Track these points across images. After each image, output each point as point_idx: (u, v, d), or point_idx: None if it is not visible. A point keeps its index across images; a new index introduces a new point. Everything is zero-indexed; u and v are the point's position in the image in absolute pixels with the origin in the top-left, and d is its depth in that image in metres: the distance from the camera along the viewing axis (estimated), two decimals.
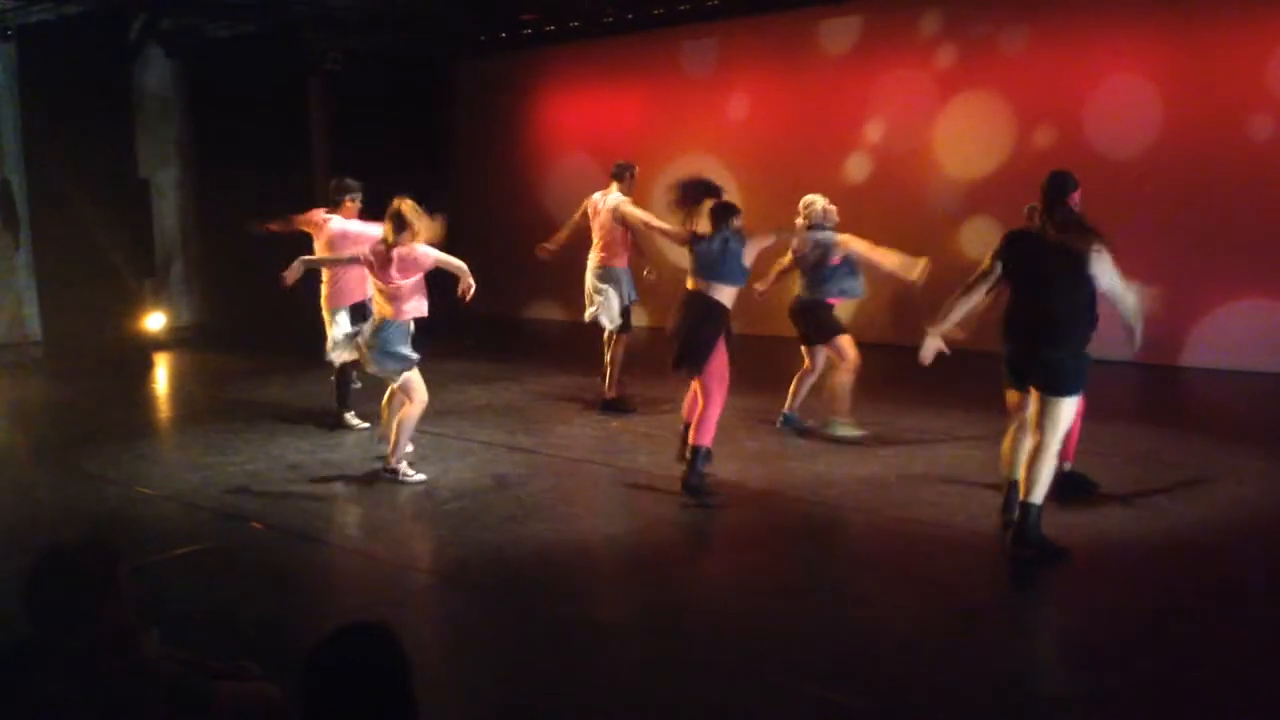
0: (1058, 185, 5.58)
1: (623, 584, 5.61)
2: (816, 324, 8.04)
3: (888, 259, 7.67)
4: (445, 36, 15.12)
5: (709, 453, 6.68)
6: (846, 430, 7.94)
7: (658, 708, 4.22)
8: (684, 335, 6.67)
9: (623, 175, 9.26)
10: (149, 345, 12.83)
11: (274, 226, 8.83)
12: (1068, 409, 5.54)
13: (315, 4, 12.84)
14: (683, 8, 13.38)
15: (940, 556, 5.83)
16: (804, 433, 8.16)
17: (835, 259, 7.85)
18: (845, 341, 7.94)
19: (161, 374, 12.07)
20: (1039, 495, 5.52)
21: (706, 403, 6.62)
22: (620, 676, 4.48)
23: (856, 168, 12.62)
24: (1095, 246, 5.40)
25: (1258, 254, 10.23)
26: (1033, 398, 5.62)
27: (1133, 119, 10.75)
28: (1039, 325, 5.53)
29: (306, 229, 8.70)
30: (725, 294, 6.70)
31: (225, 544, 6.12)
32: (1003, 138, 11.58)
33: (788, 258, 8.22)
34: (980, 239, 11.65)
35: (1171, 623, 4.87)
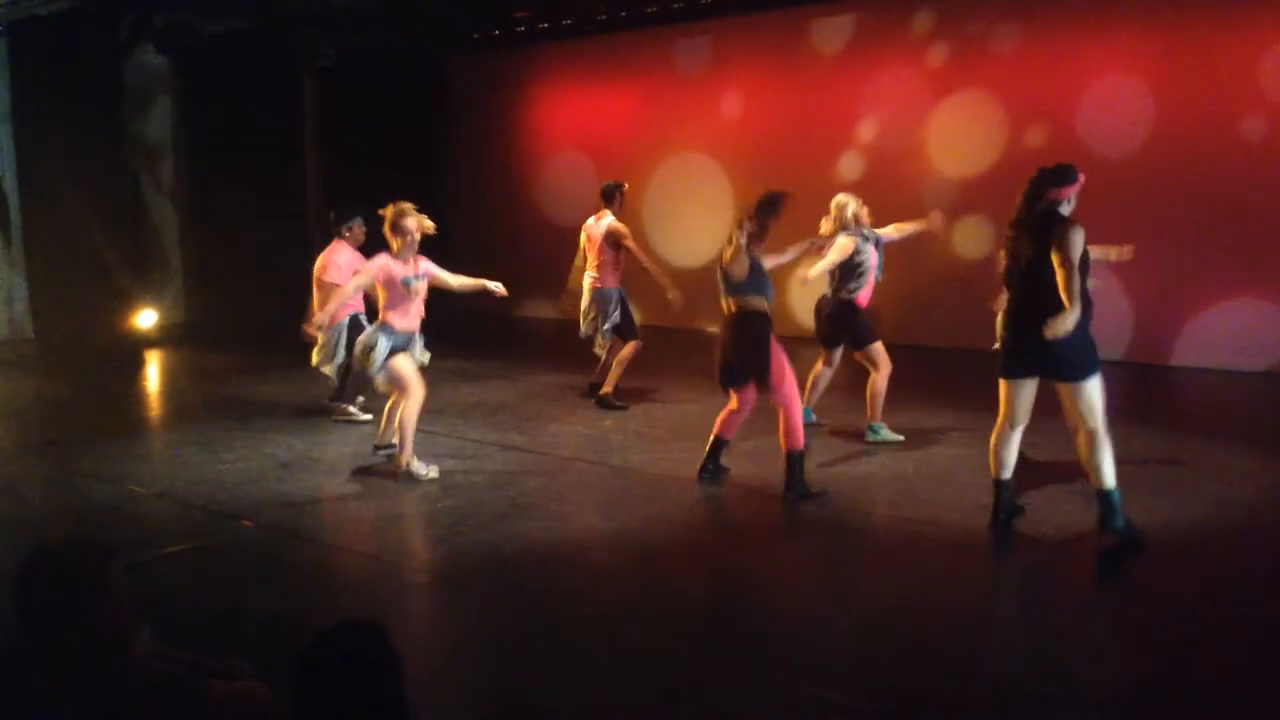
0: (1041, 178, 5.59)
1: (615, 583, 5.60)
2: (852, 330, 7.94)
3: (912, 226, 8.13)
4: (438, 34, 15.10)
5: (803, 454, 6.68)
6: (889, 434, 7.94)
7: (652, 706, 4.21)
8: (728, 356, 6.67)
9: (613, 196, 9.36)
10: (141, 343, 12.79)
11: (318, 316, 8.41)
12: (1093, 391, 5.53)
13: (308, 1, 12.82)
14: (676, 6, 13.38)
15: (934, 555, 5.83)
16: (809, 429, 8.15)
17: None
18: (879, 349, 7.90)
19: (153, 372, 12.04)
20: (1110, 481, 5.54)
21: (785, 411, 6.60)
22: (614, 675, 4.47)
23: (849, 166, 12.62)
24: (1055, 236, 5.38)
25: (1248, 254, 10.24)
26: (1061, 394, 5.63)
27: (1125, 118, 10.76)
28: (1031, 314, 5.53)
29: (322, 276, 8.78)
30: (755, 304, 6.60)
31: (217, 542, 6.11)
32: (995, 137, 11.58)
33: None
34: (973, 237, 11.66)
35: (1168, 622, 4.87)
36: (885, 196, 11.91)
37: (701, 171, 13.73)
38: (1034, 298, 5.52)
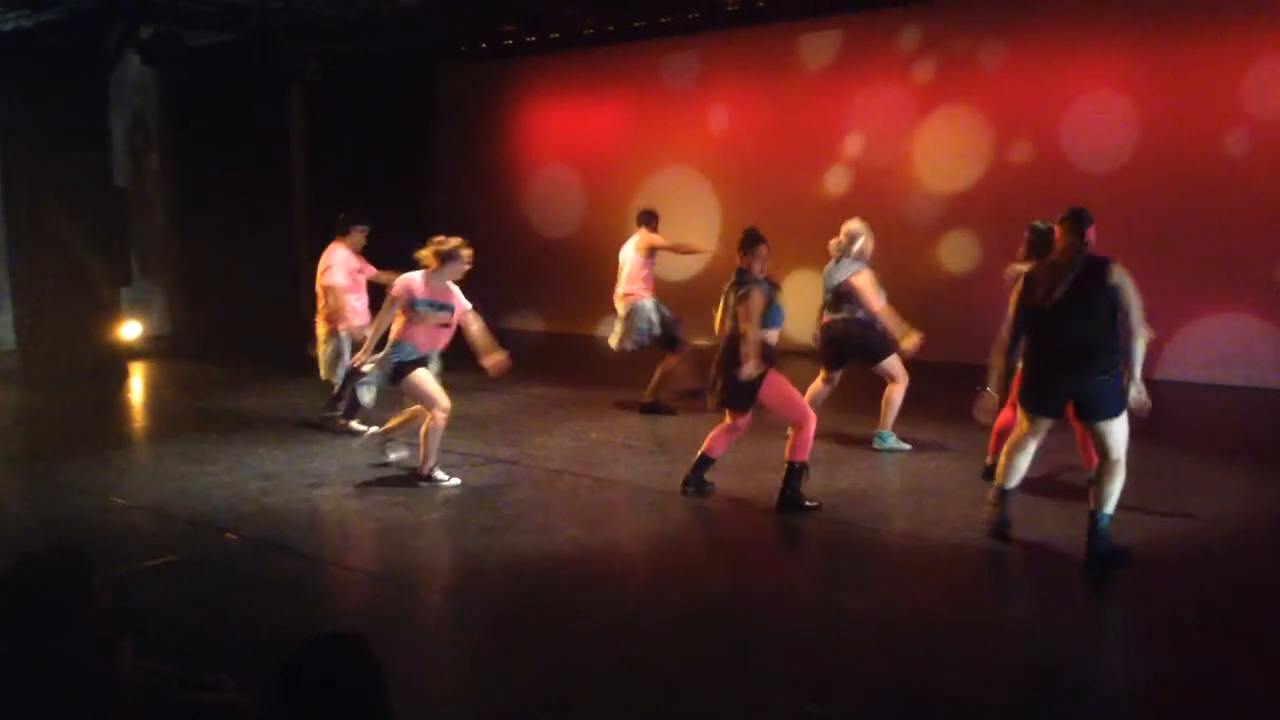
0: (1080, 221, 5.68)
1: (600, 595, 5.59)
2: (868, 348, 7.96)
3: (888, 318, 7.86)
4: (426, 46, 15.11)
5: (804, 467, 6.66)
6: (896, 443, 8.03)
7: (634, 718, 4.21)
8: (722, 372, 6.71)
9: (646, 220, 9.96)
10: (125, 354, 12.72)
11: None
12: (1121, 428, 5.58)
13: (295, 13, 12.81)
14: (664, 20, 13.43)
15: (918, 568, 5.84)
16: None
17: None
18: (896, 362, 7.96)
19: (137, 383, 11.99)
20: (1109, 508, 5.59)
21: (798, 428, 6.63)
22: (597, 687, 4.46)
23: (836, 181, 12.67)
24: (1118, 280, 5.54)
25: (1233, 268, 10.31)
26: (1089, 430, 5.74)
27: (1109, 134, 10.84)
28: (1068, 357, 5.58)
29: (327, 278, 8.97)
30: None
31: (200, 555, 6.08)
32: (981, 152, 11.64)
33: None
34: (958, 252, 11.74)
35: (1152, 631, 4.89)
36: (871, 211, 11.99)
37: (688, 185, 13.76)
38: (1075, 341, 5.56)
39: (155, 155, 14.48)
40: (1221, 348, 10.40)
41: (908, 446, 8.01)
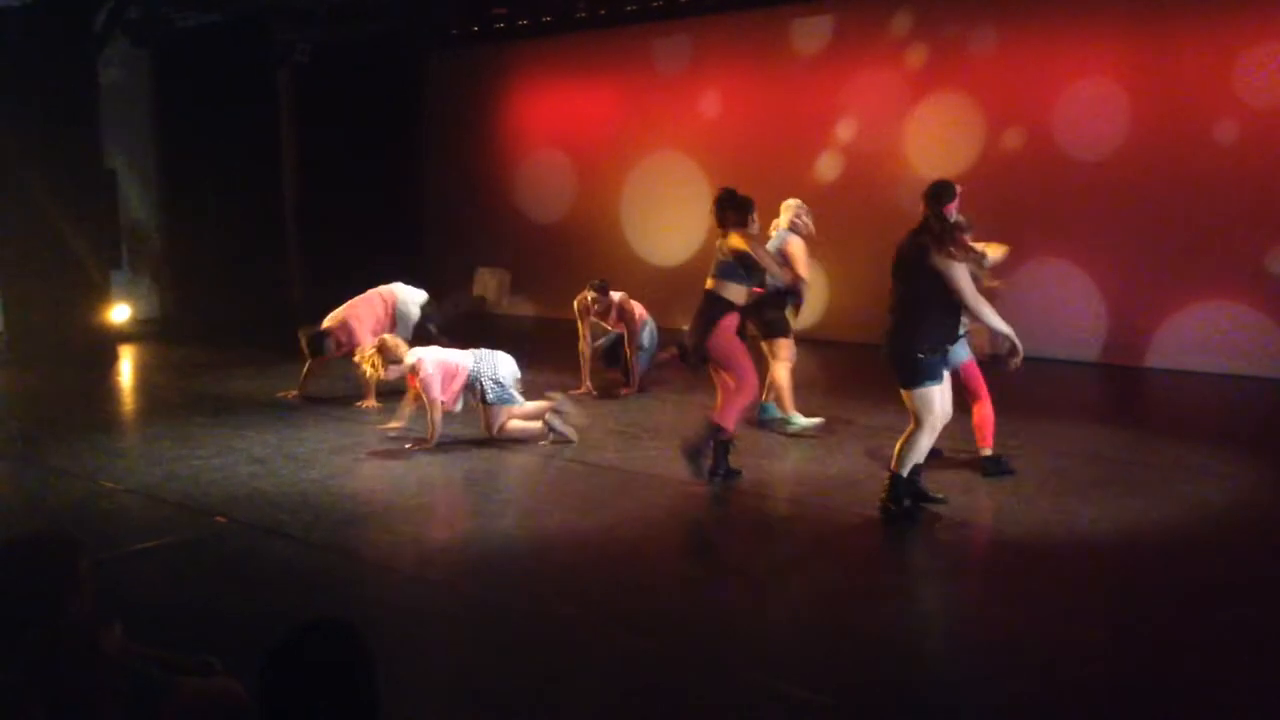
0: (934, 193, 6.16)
1: (589, 580, 5.59)
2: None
3: None
4: (416, 29, 15.06)
5: (719, 431, 6.80)
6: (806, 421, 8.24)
7: (624, 703, 4.21)
8: (691, 330, 6.93)
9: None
10: (113, 337, 12.68)
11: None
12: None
13: None
14: (655, 4, 13.41)
15: (908, 554, 5.86)
16: (766, 424, 8.25)
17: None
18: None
19: (126, 367, 11.95)
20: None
21: (731, 391, 6.82)
22: (586, 672, 4.47)
23: (827, 166, 12.66)
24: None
25: (1222, 256, 10.33)
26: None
27: (1100, 122, 10.84)
28: None
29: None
30: (730, 291, 6.82)
31: (190, 538, 6.08)
32: (972, 139, 11.63)
33: None
34: None
35: (1134, 623, 4.91)
36: (862, 197, 12.01)
37: (679, 170, 13.75)
38: None
39: (144, 137, 14.40)
40: (1211, 335, 10.42)
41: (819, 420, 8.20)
